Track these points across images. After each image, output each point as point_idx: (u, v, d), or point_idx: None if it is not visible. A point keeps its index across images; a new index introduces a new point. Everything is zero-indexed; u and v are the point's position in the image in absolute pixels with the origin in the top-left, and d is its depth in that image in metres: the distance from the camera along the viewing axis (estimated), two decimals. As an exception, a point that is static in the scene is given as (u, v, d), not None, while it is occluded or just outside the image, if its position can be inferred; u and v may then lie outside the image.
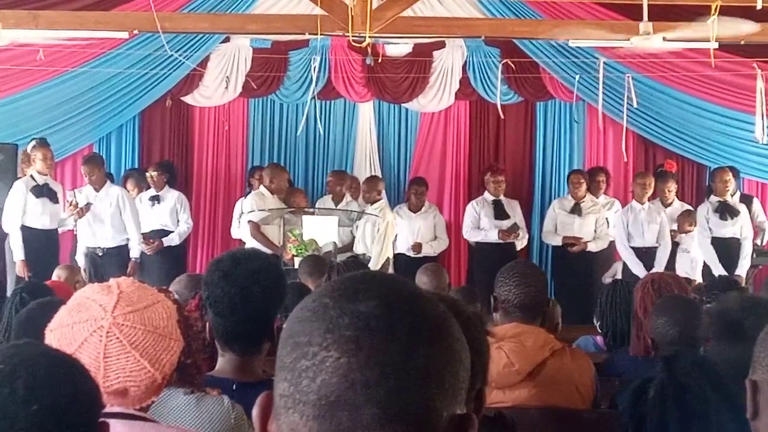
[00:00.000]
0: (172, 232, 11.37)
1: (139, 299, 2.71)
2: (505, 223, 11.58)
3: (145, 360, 2.62)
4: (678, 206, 11.44)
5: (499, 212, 11.64)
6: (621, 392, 4.54)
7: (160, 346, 2.67)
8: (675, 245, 11.17)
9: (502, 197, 11.73)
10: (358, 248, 11.21)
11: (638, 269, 10.55)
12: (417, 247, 11.59)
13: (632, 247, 11.02)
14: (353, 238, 11.41)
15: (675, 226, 11.27)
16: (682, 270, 10.39)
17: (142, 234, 11.02)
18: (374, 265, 10.60)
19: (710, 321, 3.63)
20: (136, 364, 2.60)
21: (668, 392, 2.95)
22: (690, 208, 11.43)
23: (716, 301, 4.35)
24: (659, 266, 10.77)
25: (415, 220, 11.69)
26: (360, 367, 1.21)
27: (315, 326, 1.24)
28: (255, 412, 1.32)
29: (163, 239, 11.27)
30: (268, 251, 10.17)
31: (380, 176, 12.47)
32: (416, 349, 1.23)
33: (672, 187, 11.44)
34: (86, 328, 2.61)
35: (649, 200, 11.20)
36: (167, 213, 11.38)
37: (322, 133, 13.09)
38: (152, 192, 11.48)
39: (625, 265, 11.01)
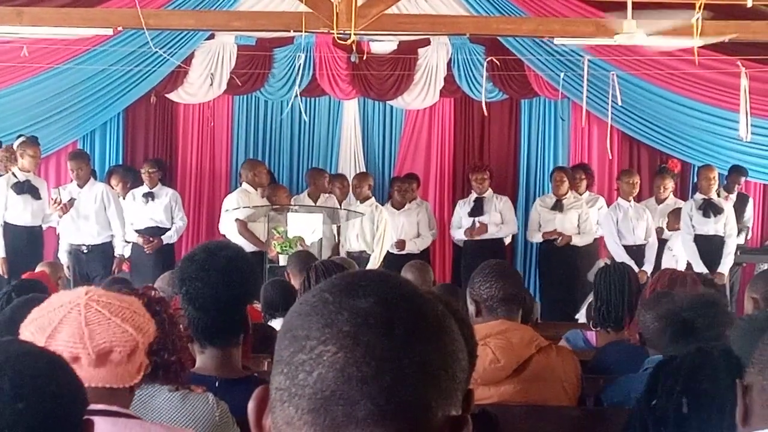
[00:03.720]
0: (166, 229, 11.39)
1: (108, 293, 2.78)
2: (480, 220, 11.61)
3: (126, 324, 2.66)
4: (672, 203, 11.48)
5: (475, 210, 11.66)
6: (606, 389, 4.56)
7: (138, 317, 2.72)
8: (662, 242, 11.23)
9: (487, 194, 11.75)
10: (356, 245, 11.23)
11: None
12: (400, 244, 11.59)
13: (623, 245, 11.07)
14: (335, 234, 11.42)
15: (664, 223, 11.34)
16: (665, 267, 10.42)
17: (137, 231, 11.02)
18: (374, 265, 10.64)
19: (662, 323, 3.64)
20: (118, 327, 2.64)
21: (690, 394, 2.94)
22: (681, 206, 11.47)
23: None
24: (649, 263, 10.84)
25: (398, 217, 11.68)
26: (356, 362, 1.21)
27: (314, 320, 1.25)
28: (251, 405, 1.32)
29: (161, 237, 11.30)
30: (252, 248, 10.18)
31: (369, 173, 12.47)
32: (413, 348, 1.23)
33: (669, 184, 11.51)
34: (62, 311, 2.64)
35: (635, 198, 11.28)
36: (161, 210, 11.36)
37: (307, 129, 13.10)
38: (145, 189, 11.45)
39: (613, 261, 11.03)
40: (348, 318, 1.23)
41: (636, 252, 11.01)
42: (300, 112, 12.06)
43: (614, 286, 5.66)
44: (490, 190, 11.81)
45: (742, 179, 12.12)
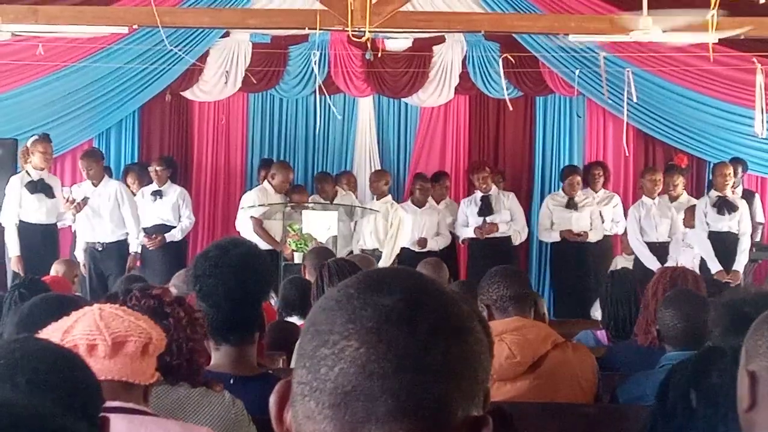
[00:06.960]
0: (174, 227, 11.35)
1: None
2: (489, 219, 11.56)
3: (140, 321, 2.69)
4: (685, 201, 11.42)
5: (483, 208, 11.59)
6: (622, 386, 4.55)
7: (149, 321, 2.75)
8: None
9: (493, 191, 11.69)
10: (370, 243, 11.20)
11: (652, 264, 10.51)
12: (422, 242, 11.56)
13: (645, 242, 11.05)
14: (352, 232, 11.41)
15: (681, 220, 11.29)
16: (685, 265, 10.36)
17: (144, 229, 11.01)
18: (385, 262, 10.60)
19: (718, 312, 3.61)
20: (132, 323, 2.67)
21: (700, 389, 2.93)
22: (696, 203, 11.41)
23: (727, 292, 4.33)
24: (672, 261, 10.76)
25: (420, 216, 11.66)
26: (378, 358, 1.22)
27: (337, 315, 1.26)
28: (272, 398, 1.32)
29: (165, 235, 11.27)
30: (267, 246, 10.18)
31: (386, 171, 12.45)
32: (435, 346, 1.24)
33: (678, 180, 11.40)
34: (76, 315, 2.67)
35: (659, 195, 11.25)
36: (169, 208, 11.35)
37: (322, 126, 13.10)
38: (154, 187, 11.44)
39: (636, 259, 11.02)
40: (372, 314, 1.24)
41: (659, 249, 10.98)
42: (315, 110, 12.05)
43: (620, 302, 5.63)
44: (494, 187, 11.77)
45: (740, 170, 12.01)
